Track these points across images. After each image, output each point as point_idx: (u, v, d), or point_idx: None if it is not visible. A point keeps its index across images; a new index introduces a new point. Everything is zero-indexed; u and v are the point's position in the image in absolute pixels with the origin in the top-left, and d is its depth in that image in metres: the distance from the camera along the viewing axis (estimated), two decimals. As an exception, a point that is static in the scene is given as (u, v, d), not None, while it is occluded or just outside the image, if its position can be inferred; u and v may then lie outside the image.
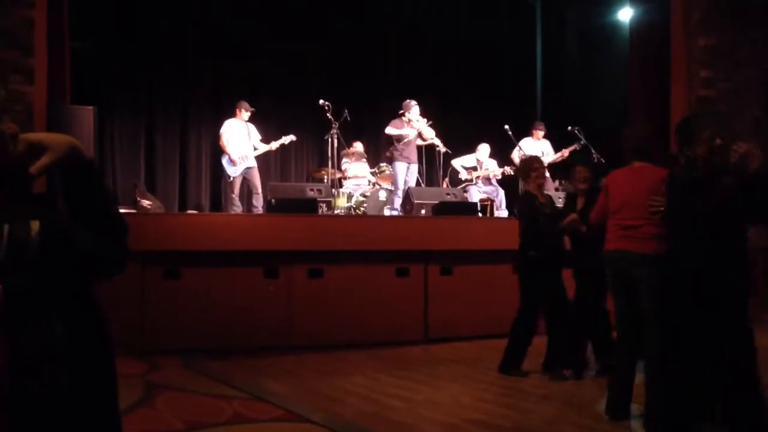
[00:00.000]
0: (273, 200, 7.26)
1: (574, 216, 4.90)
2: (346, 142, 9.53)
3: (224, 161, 8.86)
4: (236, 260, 6.18)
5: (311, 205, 7.30)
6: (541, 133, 10.01)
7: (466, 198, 9.21)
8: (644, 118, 7.53)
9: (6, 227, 1.25)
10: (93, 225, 1.40)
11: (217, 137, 9.15)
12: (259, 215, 8.01)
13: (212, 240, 6.11)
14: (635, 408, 4.00)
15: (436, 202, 7.89)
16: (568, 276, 5.29)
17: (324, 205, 7.93)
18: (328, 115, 8.98)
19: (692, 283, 3.29)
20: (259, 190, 8.85)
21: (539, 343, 5.38)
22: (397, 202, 8.77)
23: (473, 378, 5.22)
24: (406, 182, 8.91)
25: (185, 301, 6.01)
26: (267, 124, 9.82)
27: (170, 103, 10.25)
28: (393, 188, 9.10)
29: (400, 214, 8.46)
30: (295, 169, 11.08)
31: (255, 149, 8.98)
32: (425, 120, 9.13)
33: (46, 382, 1.26)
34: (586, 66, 12.20)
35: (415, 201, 8.01)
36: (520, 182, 9.69)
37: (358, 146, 10.05)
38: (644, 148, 3.98)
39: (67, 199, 1.41)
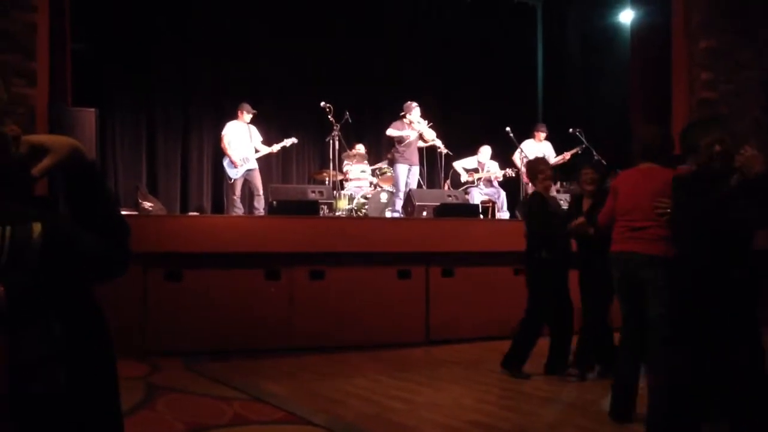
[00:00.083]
0: (274, 202, 7.27)
1: (581, 219, 4.89)
2: (347, 144, 9.54)
3: (225, 163, 8.87)
4: (238, 262, 6.18)
5: (312, 207, 7.31)
6: (542, 135, 10.02)
7: (468, 200, 9.22)
8: (645, 120, 7.52)
9: (8, 229, 1.26)
10: (95, 227, 1.41)
11: (218, 139, 9.17)
12: (260, 217, 8.02)
13: (214, 242, 6.11)
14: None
15: (438, 204, 7.90)
16: (572, 277, 5.29)
17: (325, 206, 7.94)
18: (329, 117, 8.99)
19: (695, 285, 3.30)
20: (261, 192, 8.86)
21: (542, 344, 5.37)
22: (399, 203, 8.78)
23: (474, 380, 5.21)
24: (407, 184, 8.91)
25: (187, 302, 6.01)
26: (268, 126, 9.84)
27: (172, 104, 10.27)
28: (394, 190, 9.10)
29: (402, 215, 8.47)
30: (296, 171, 11.09)
31: (256, 151, 9.00)
32: (426, 121, 9.13)
33: (45, 382, 1.26)
34: (587, 68, 12.20)
35: (417, 203, 8.02)
36: (522, 184, 9.78)
37: (360, 148, 10.06)
38: (652, 149, 3.97)
39: (68, 200, 1.42)
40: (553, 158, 9.78)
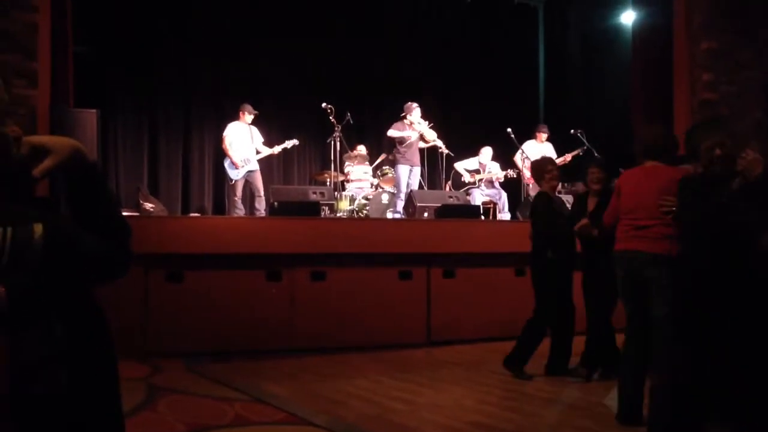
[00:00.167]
0: (275, 203, 7.27)
1: (584, 221, 4.89)
2: (348, 145, 9.54)
3: (226, 164, 8.88)
4: (239, 263, 6.18)
5: (314, 208, 7.31)
6: (544, 136, 10.01)
7: (469, 201, 9.22)
8: (646, 121, 7.51)
9: (9, 230, 1.26)
10: (96, 228, 1.41)
11: (219, 140, 9.18)
12: (261, 218, 8.02)
13: (215, 243, 6.11)
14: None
15: (439, 204, 7.90)
16: (575, 277, 5.29)
17: (326, 207, 7.94)
18: (330, 118, 9.00)
19: (697, 284, 3.31)
20: (262, 193, 8.86)
21: (543, 344, 5.36)
22: (400, 204, 8.78)
23: (476, 381, 5.21)
24: (408, 185, 8.91)
25: (188, 304, 6.01)
26: (269, 127, 9.85)
27: (173, 105, 10.28)
28: (395, 191, 9.10)
29: (403, 216, 8.47)
30: (297, 172, 11.09)
31: (258, 152, 9.00)
32: (427, 122, 9.13)
33: (46, 382, 1.26)
34: (588, 69, 12.21)
35: (418, 204, 8.02)
36: (523, 185, 9.78)
37: (361, 149, 10.07)
38: (656, 148, 3.97)
39: (70, 201, 1.42)
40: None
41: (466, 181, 9.89)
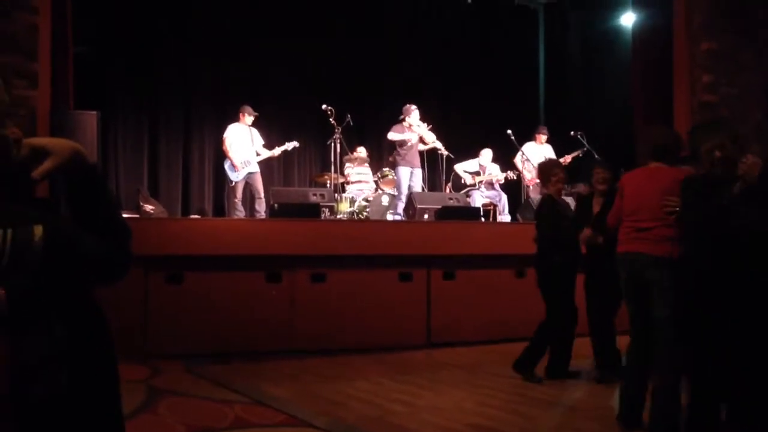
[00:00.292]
0: (276, 205, 7.27)
1: (588, 231, 4.90)
2: (348, 146, 9.54)
3: (226, 166, 8.88)
4: (239, 265, 6.18)
5: (314, 210, 7.31)
6: (543, 138, 10.02)
7: (469, 203, 9.22)
8: (647, 122, 7.51)
9: (9, 231, 1.26)
10: (96, 229, 1.41)
11: (220, 141, 9.18)
12: (261, 220, 8.02)
13: (215, 245, 6.11)
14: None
15: (439, 206, 7.90)
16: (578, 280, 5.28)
17: (327, 209, 7.93)
18: (330, 119, 9.00)
19: (698, 286, 3.31)
20: (262, 195, 8.86)
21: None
22: (400, 206, 8.77)
23: (476, 383, 5.20)
24: (410, 187, 8.89)
25: (188, 305, 6.01)
26: (270, 129, 9.85)
27: (173, 107, 10.28)
28: (396, 193, 9.10)
29: (403, 218, 8.47)
30: (297, 174, 11.09)
31: (258, 154, 9.00)
32: (426, 124, 9.13)
33: (46, 383, 1.26)
34: (588, 70, 12.21)
35: (418, 206, 8.01)
36: (523, 187, 9.78)
37: (361, 151, 10.07)
38: (662, 148, 3.96)
39: (70, 203, 1.42)
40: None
41: (466, 183, 9.89)
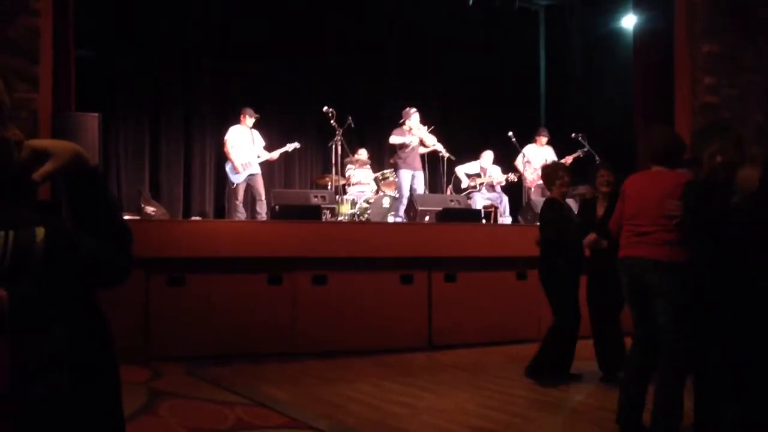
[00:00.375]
0: (277, 207, 7.28)
1: (593, 236, 4.90)
2: (350, 148, 9.55)
3: (227, 168, 8.89)
4: (240, 267, 6.18)
5: (315, 212, 7.31)
6: (544, 140, 10.02)
7: (470, 205, 9.21)
8: (648, 125, 7.50)
9: (11, 233, 1.26)
10: (97, 232, 1.41)
11: (221, 143, 9.18)
12: (262, 222, 8.02)
13: (216, 247, 6.11)
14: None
15: (440, 208, 7.89)
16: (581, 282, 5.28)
17: (328, 211, 7.93)
18: (331, 122, 9.00)
19: (700, 289, 3.31)
20: (263, 197, 8.87)
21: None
22: (401, 208, 8.77)
23: (477, 385, 5.20)
24: (413, 189, 8.89)
25: (189, 307, 6.01)
26: (271, 131, 9.86)
27: (174, 109, 10.29)
28: (397, 195, 9.10)
29: (404, 220, 8.46)
30: (299, 176, 11.10)
31: (258, 157, 9.00)
32: (426, 127, 9.13)
33: (47, 383, 1.26)
34: (589, 72, 12.21)
35: (419, 208, 8.01)
36: (524, 189, 9.77)
37: (362, 153, 10.07)
38: (661, 152, 3.95)
39: (71, 205, 1.42)
40: (555, 163, 9.78)
41: (467, 185, 9.89)
